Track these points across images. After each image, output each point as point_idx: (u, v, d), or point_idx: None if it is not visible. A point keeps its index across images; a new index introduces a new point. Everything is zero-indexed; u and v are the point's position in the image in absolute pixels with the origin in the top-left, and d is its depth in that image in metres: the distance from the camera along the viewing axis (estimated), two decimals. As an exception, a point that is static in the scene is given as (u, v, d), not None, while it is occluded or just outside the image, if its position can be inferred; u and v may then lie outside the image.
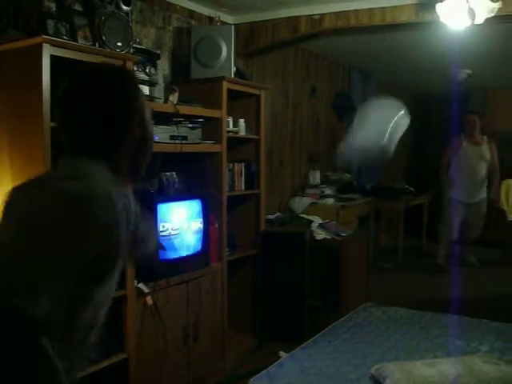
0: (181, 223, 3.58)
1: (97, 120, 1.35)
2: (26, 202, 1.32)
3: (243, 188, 4.39)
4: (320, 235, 5.03)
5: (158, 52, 3.80)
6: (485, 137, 6.73)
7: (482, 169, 6.67)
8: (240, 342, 4.41)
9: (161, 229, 3.39)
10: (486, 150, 6.68)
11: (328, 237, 5.03)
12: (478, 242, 7.15)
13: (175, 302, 3.51)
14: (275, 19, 4.69)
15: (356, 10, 4.36)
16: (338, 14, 4.44)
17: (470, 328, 3.84)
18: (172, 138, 3.54)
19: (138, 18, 3.92)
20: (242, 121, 4.35)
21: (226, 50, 4.14)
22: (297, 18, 4.61)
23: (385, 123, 3.32)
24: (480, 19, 3.75)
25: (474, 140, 6.64)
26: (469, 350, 3.44)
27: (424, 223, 8.08)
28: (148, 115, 1.46)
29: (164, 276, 3.41)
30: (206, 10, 4.53)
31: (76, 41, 2.86)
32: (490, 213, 7.38)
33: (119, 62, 3.01)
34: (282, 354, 3.84)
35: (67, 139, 1.40)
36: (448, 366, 2.95)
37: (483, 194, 6.73)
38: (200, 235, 3.75)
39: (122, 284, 3.07)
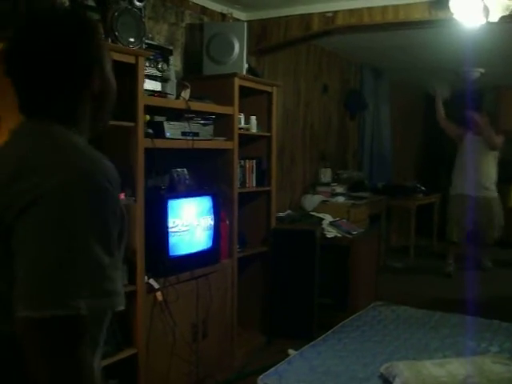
0: (191, 219, 3.58)
1: (56, 71, 1.19)
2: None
3: (254, 185, 4.39)
4: (331, 233, 5.02)
5: (171, 48, 3.80)
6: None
7: (489, 160, 6.54)
8: (249, 339, 4.42)
9: (171, 225, 3.40)
10: (486, 140, 6.50)
11: (339, 235, 5.03)
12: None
13: (185, 299, 3.51)
14: (288, 16, 4.68)
15: (369, 8, 4.35)
16: (351, 12, 4.43)
17: (480, 328, 3.83)
18: (184, 134, 3.54)
19: (151, 13, 3.92)
20: (253, 118, 4.34)
21: (239, 47, 4.14)
22: (309, 15, 4.59)
23: None
24: (494, 17, 3.73)
25: (478, 132, 6.51)
26: (479, 350, 3.43)
27: (435, 223, 8.05)
28: (109, 66, 1.31)
29: (174, 272, 3.42)
30: (218, 7, 4.53)
31: (89, 36, 2.87)
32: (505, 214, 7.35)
33: (131, 58, 3.02)
34: (290, 351, 3.84)
35: (22, 96, 1.23)
36: (458, 366, 2.94)
37: (493, 192, 6.59)
38: (210, 232, 3.75)
39: (132, 279, 3.10)
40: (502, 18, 3.76)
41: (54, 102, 1.21)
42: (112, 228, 1.11)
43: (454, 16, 3.85)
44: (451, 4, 3.78)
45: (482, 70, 7.31)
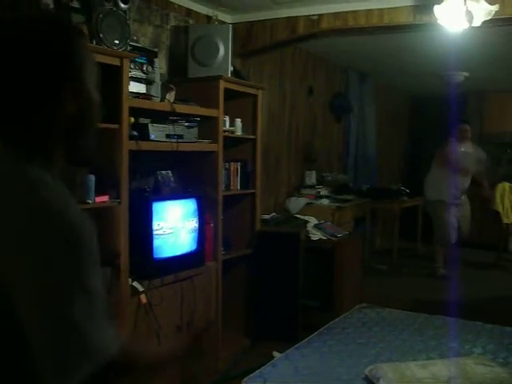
0: (176, 222, 3.58)
1: (17, 91, 1.03)
2: None
3: (239, 187, 4.39)
4: (315, 236, 5.03)
5: (156, 50, 3.80)
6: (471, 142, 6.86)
7: (472, 170, 6.76)
8: (234, 342, 4.41)
9: (156, 227, 3.39)
10: (477, 155, 6.79)
11: (323, 237, 5.04)
12: (474, 245, 7.17)
13: (169, 301, 3.50)
14: (273, 19, 4.69)
15: (354, 11, 4.37)
16: (336, 15, 4.45)
17: (463, 330, 3.85)
18: (168, 136, 3.53)
19: (136, 16, 3.92)
20: (238, 120, 4.34)
21: (224, 50, 4.14)
22: (295, 18, 4.61)
23: None
24: (477, 22, 3.76)
25: (464, 145, 6.69)
26: (462, 351, 3.45)
27: (419, 225, 8.09)
28: (92, 81, 1.11)
29: (158, 275, 3.41)
30: (203, 9, 4.53)
31: (73, 38, 2.86)
32: (486, 216, 7.44)
33: (116, 60, 3.01)
34: (275, 353, 3.84)
35: None
36: (441, 368, 2.96)
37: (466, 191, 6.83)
38: (195, 234, 3.74)
39: (116, 282, 3.08)
40: (485, 22, 3.79)
41: (13, 128, 1.05)
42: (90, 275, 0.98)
43: (438, 20, 3.87)
44: (435, 8, 3.81)
45: (466, 74, 7.37)
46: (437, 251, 6.82)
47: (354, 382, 3.01)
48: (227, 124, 4.22)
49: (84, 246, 0.97)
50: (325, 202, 6.07)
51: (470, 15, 3.69)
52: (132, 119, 3.24)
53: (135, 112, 3.27)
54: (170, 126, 3.55)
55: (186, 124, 3.72)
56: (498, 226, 7.49)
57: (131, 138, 3.19)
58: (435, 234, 6.82)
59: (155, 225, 3.39)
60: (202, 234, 3.79)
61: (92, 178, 2.92)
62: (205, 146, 3.92)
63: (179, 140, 3.60)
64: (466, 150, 6.65)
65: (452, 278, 6.11)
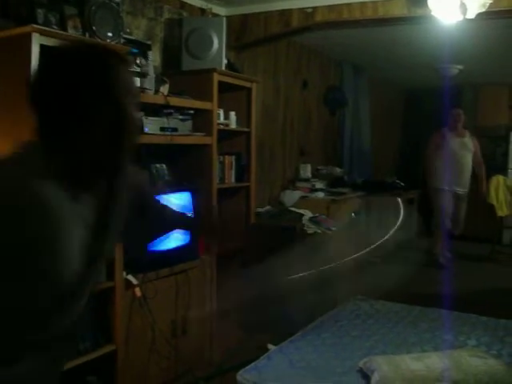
0: (170, 215, 3.56)
1: (57, 105, 1.23)
2: None
3: (233, 181, 4.39)
4: (311, 229, 5.03)
5: (149, 43, 3.79)
6: (466, 130, 6.88)
7: (468, 159, 6.77)
8: (228, 335, 4.41)
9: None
10: (469, 142, 6.81)
11: (318, 231, 5.03)
12: (468, 237, 7.18)
13: (164, 294, 3.50)
14: (267, 12, 4.68)
15: (348, 4, 4.36)
16: (330, 7, 4.43)
17: (458, 322, 3.86)
18: (162, 129, 3.52)
19: (129, 8, 3.90)
20: (232, 113, 4.34)
21: (218, 42, 4.13)
22: (289, 10, 4.59)
23: None
24: (472, 14, 3.75)
25: (457, 132, 6.73)
26: (457, 344, 3.45)
27: (414, 218, 8.10)
28: (128, 99, 1.28)
29: (153, 268, 3.40)
30: (197, 2, 4.51)
31: (66, 30, 2.84)
32: (481, 208, 7.45)
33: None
34: (270, 346, 3.84)
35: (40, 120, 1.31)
36: (436, 360, 2.96)
37: (468, 187, 6.83)
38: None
39: (110, 275, 3.08)
40: (479, 14, 3.79)
41: (53, 129, 1.28)
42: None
43: (432, 12, 3.87)
44: (429, 0, 3.81)
45: (460, 67, 7.37)
46: (436, 240, 6.83)
47: (349, 374, 3.01)
48: (221, 117, 4.21)
49: None
50: (320, 195, 6.07)
51: (464, 7, 3.69)
52: (125, 112, 3.22)
53: (129, 105, 3.24)
54: (164, 119, 3.54)
55: (180, 117, 3.71)
56: (493, 218, 7.51)
57: (125, 131, 3.17)
58: (435, 221, 6.84)
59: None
60: (196, 227, 3.78)
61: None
62: (199, 138, 3.91)
63: (173, 133, 3.59)
64: (453, 137, 6.69)
65: (449, 268, 6.15)
